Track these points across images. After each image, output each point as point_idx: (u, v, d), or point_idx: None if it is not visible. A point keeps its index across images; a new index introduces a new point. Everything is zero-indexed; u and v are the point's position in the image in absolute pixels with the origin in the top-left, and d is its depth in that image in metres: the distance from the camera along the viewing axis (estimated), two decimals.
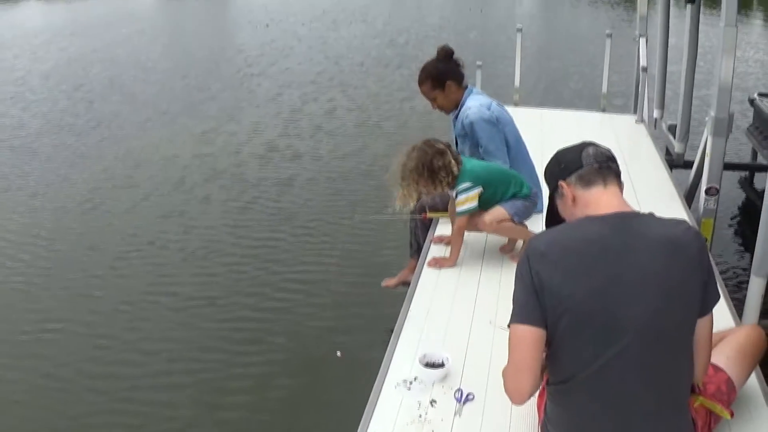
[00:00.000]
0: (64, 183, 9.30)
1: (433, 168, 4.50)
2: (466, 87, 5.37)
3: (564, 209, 2.79)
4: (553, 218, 2.87)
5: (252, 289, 6.72)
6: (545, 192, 3.01)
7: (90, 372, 5.49)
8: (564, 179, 2.72)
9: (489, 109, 5.21)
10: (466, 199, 4.61)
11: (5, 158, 10.35)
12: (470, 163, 4.70)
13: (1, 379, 5.45)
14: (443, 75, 5.26)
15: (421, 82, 5.35)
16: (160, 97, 13.71)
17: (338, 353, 5.49)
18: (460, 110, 5.30)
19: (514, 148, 5.36)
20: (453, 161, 4.55)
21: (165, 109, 12.69)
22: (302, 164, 9.77)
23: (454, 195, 4.68)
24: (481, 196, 4.64)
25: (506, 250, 4.95)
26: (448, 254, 4.87)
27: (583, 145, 2.75)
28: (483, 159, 5.17)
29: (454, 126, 5.43)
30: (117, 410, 5.05)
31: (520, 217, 4.74)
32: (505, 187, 4.70)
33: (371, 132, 11.14)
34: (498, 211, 4.69)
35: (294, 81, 14.48)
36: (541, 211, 4.69)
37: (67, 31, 22.03)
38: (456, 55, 5.36)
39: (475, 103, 5.22)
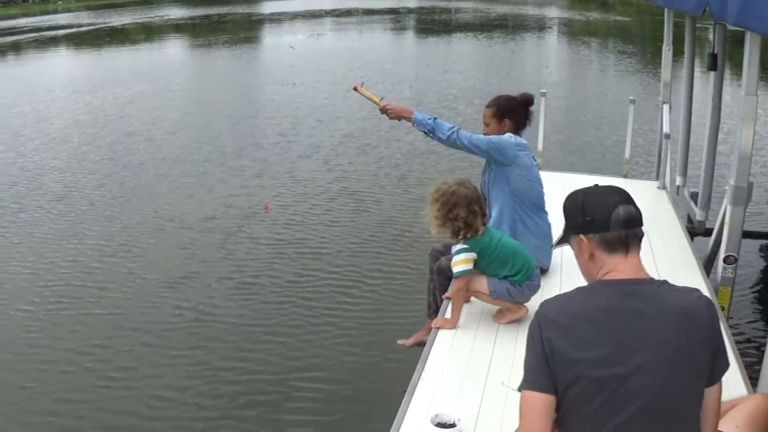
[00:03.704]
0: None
1: (453, 214, 4.59)
2: (518, 133, 5.56)
3: (578, 256, 2.80)
4: (563, 240, 2.90)
5: (273, 332, 6.94)
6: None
7: None
8: (586, 234, 2.73)
9: (516, 141, 5.39)
10: (459, 261, 4.67)
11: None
12: (488, 233, 4.76)
13: None
14: (508, 112, 5.54)
15: (488, 105, 5.63)
16: (160, 163, 13.44)
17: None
18: None
19: (533, 204, 5.47)
20: (476, 226, 4.62)
21: (165, 173, 12.56)
22: (311, 230, 9.78)
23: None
24: (475, 263, 4.70)
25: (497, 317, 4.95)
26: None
27: (615, 202, 2.70)
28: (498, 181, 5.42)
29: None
30: None
31: (498, 296, 4.76)
32: (498, 267, 4.73)
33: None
34: (480, 282, 4.77)
35: (303, 154, 13.90)
36: (539, 287, 4.87)
37: (84, 86, 22.17)
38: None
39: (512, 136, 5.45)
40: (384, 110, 5.44)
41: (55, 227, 10.06)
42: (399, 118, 5.43)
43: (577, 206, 2.78)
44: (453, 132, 5.25)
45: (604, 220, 2.68)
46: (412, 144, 13.70)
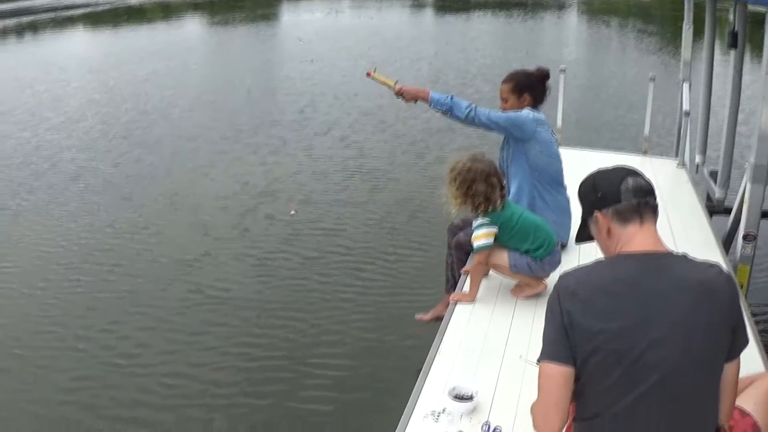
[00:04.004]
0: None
1: (472, 190, 4.58)
2: (536, 108, 5.52)
3: (597, 236, 2.80)
4: (584, 232, 2.91)
5: (290, 312, 6.91)
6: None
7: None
8: (600, 210, 2.73)
9: (534, 117, 5.34)
10: (480, 235, 4.68)
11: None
12: (509, 207, 4.75)
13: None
14: (527, 87, 5.48)
15: (505, 81, 5.57)
16: (176, 141, 13.40)
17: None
18: None
19: (552, 179, 5.46)
20: (495, 198, 4.61)
21: (181, 151, 12.54)
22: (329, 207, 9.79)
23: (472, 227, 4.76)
24: (496, 237, 4.69)
25: (516, 291, 4.95)
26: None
27: (623, 175, 2.74)
28: (514, 155, 5.40)
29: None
30: None
31: (518, 270, 4.76)
32: (519, 241, 4.72)
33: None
34: (501, 256, 4.76)
35: (312, 133, 13.80)
36: (559, 263, 4.82)
37: (100, 65, 22.18)
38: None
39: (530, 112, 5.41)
40: (399, 93, 5.40)
41: (68, 207, 10.04)
42: (415, 99, 5.40)
43: (589, 187, 2.82)
44: (471, 110, 5.22)
45: (614, 192, 2.70)
46: (428, 122, 13.66)
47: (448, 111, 5.25)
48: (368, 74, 5.52)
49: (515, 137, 5.33)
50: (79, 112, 15.94)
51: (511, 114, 5.32)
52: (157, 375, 5.98)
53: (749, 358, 2.80)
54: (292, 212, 6.70)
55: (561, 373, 2.54)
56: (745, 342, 2.67)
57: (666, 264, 2.59)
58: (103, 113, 15.77)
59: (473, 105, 5.25)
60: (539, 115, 5.40)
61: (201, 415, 5.46)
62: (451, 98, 5.27)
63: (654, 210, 2.72)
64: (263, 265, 7.99)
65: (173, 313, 6.98)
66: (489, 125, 5.26)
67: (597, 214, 2.74)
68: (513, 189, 5.40)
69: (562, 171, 5.53)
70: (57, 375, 6.00)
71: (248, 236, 8.84)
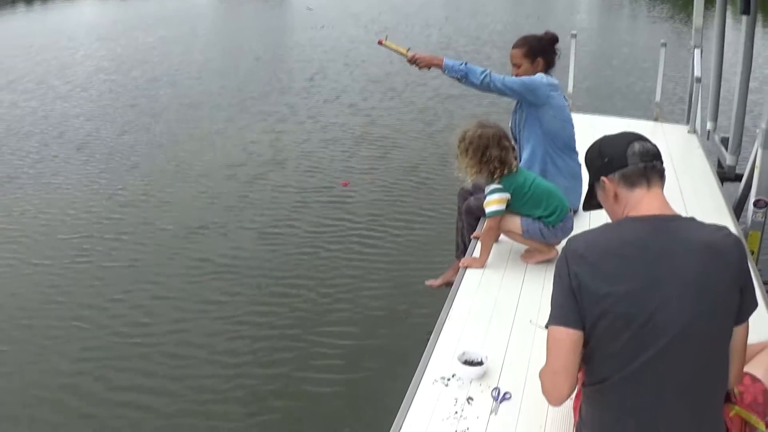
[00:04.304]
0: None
1: (486, 156, 4.55)
2: (548, 73, 5.49)
3: (604, 202, 2.79)
4: (592, 200, 2.90)
5: (298, 282, 6.86)
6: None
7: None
8: (607, 175, 2.72)
9: (548, 81, 5.31)
10: (492, 201, 4.65)
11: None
12: (522, 173, 4.74)
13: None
14: (540, 51, 5.43)
15: (517, 46, 5.50)
16: (183, 109, 13.29)
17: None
18: None
19: (564, 144, 5.44)
20: (509, 161, 4.60)
21: (188, 119, 12.43)
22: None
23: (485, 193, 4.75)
24: (508, 204, 4.68)
25: (526, 256, 4.93)
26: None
27: (629, 140, 2.71)
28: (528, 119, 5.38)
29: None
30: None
31: (530, 236, 4.74)
32: (532, 207, 4.70)
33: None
34: (513, 222, 4.74)
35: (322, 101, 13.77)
36: (571, 230, 4.77)
37: (109, 33, 22.01)
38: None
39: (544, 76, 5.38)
40: (413, 60, 5.35)
41: (74, 177, 9.91)
42: (429, 66, 5.36)
43: (595, 153, 2.80)
44: (486, 75, 5.19)
45: (621, 157, 2.68)
46: (437, 89, 13.61)
47: (464, 77, 5.22)
48: (380, 42, 5.48)
49: (529, 102, 5.30)
50: (87, 80, 15.84)
51: (525, 79, 5.29)
52: (163, 348, 5.90)
53: (760, 326, 2.78)
54: (345, 183, 6.49)
55: (569, 337, 2.53)
56: (754, 305, 2.65)
57: (674, 226, 2.57)
58: (111, 81, 15.68)
59: (488, 71, 5.22)
60: (552, 79, 5.37)
61: (209, 389, 5.40)
62: (466, 64, 5.23)
63: (661, 174, 2.70)
64: (271, 235, 7.94)
65: (179, 285, 6.89)
66: (504, 90, 5.23)
67: (604, 179, 2.72)
68: (525, 154, 5.38)
69: (574, 136, 5.50)
70: (57, 358, 5.83)
71: (255, 205, 8.79)
